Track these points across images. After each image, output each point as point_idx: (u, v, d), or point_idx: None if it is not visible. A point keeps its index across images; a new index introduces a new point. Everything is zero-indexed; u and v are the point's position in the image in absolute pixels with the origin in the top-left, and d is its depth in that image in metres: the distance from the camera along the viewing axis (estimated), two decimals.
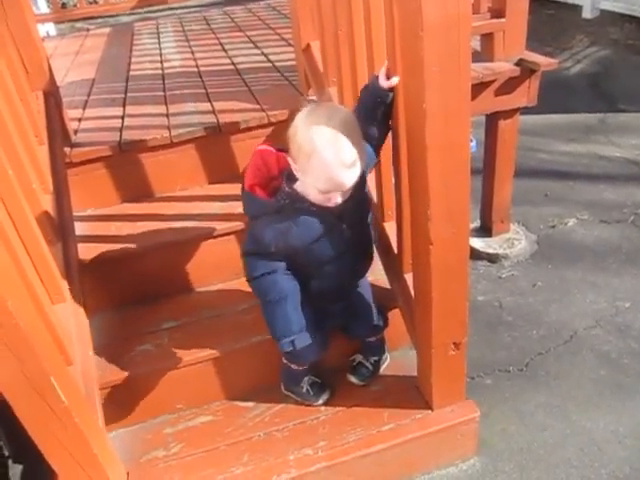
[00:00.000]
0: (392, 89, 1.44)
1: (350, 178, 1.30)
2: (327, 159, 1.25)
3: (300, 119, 1.29)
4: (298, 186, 1.36)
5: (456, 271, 1.42)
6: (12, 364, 1.21)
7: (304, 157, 1.27)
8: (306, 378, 1.75)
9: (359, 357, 1.84)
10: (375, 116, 1.47)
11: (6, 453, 1.86)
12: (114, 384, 1.75)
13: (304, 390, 1.75)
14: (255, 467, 1.63)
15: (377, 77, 1.47)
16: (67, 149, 2.17)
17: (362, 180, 1.41)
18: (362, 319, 1.72)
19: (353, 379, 1.83)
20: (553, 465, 1.73)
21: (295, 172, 1.33)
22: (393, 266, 1.79)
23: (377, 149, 1.53)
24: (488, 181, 2.60)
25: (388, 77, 1.46)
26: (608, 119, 3.85)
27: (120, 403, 1.78)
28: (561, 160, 3.42)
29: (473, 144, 2.78)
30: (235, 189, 2.23)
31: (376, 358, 1.83)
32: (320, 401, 1.76)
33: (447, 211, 1.33)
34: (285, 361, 1.71)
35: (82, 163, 2.16)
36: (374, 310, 1.73)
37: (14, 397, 1.26)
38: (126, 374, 1.77)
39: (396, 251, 1.73)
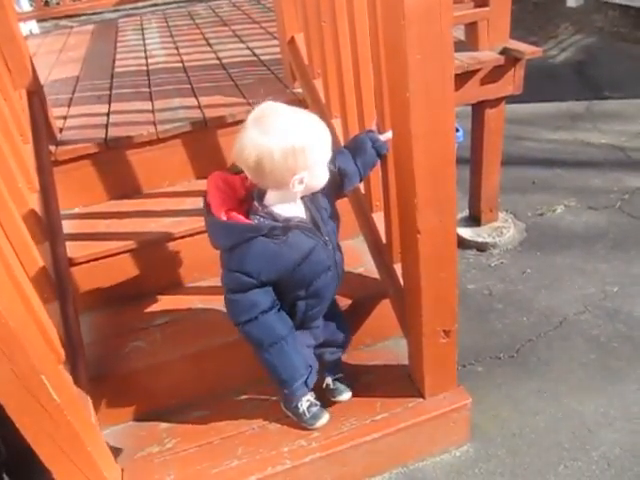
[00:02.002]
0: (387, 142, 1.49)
1: (326, 128, 1.32)
2: (322, 144, 1.27)
3: (280, 131, 1.22)
4: (271, 201, 1.31)
5: (444, 259, 1.43)
6: (3, 363, 1.20)
7: (302, 154, 1.22)
8: (304, 398, 1.65)
9: (329, 380, 1.76)
10: (362, 160, 1.48)
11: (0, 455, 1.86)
12: (106, 381, 1.75)
13: (301, 411, 1.66)
14: (250, 460, 1.63)
15: (371, 130, 1.52)
16: (52, 147, 2.16)
17: (331, 189, 1.41)
18: (340, 332, 1.69)
19: (342, 397, 1.76)
20: (545, 449, 1.75)
21: (298, 184, 1.27)
22: (382, 256, 1.79)
23: (346, 186, 1.51)
24: (476, 170, 2.61)
25: (379, 132, 1.52)
26: (594, 106, 3.87)
27: (113, 400, 1.78)
28: (548, 148, 3.44)
29: (460, 134, 2.79)
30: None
31: (341, 375, 1.78)
32: (318, 424, 1.67)
33: (434, 199, 1.33)
34: (289, 404, 1.66)
35: (68, 161, 2.15)
36: (345, 321, 1.73)
37: (5, 396, 1.26)
38: (119, 371, 1.77)
39: (384, 241, 1.74)
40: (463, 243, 2.64)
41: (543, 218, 2.82)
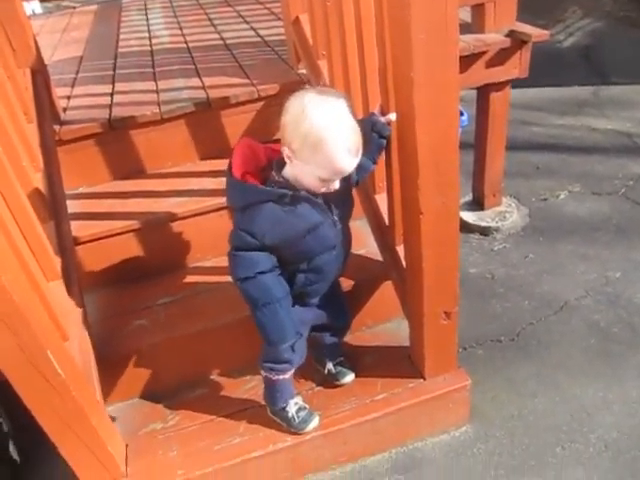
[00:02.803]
0: (390, 124, 1.48)
1: (353, 164, 1.30)
2: (337, 150, 1.24)
3: (302, 107, 1.24)
4: (288, 174, 1.34)
5: (447, 240, 1.44)
6: (8, 338, 1.22)
7: (309, 147, 1.24)
8: (292, 401, 1.64)
9: (330, 365, 1.78)
10: (369, 148, 1.45)
11: (6, 429, 1.88)
12: (111, 359, 1.76)
13: (290, 415, 1.63)
14: (252, 437, 1.66)
15: (373, 113, 1.51)
16: (56, 127, 2.16)
17: (348, 177, 1.40)
18: (340, 316, 1.71)
19: (346, 380, 1.77)
20: (543, 430, 1.77)
21: (288, 159, 1.30)
22: (385, 238, 1.80)
23: (360, 175, 1.51)
24: (480, 154, 2.60)
25: (383, 114, 1.50)
26: (601, 92, 3.84)
27: (117, 378, 1.80)
28: (553, 133, 3.43)
29: (465, 118, 2.78)
30: (226, 164, 2.24)
31: (342, 358, 1.80)
32: (308, 428, 1.64)
33: (437, 180, 1.34)
34: (267, 376, 1.62)
35: (72, 141, 2.15)
36: (347, 304, 1.74)
37: (12, 371, 1.28)
38: (123, 349, 1.79)
39: (387, 223, 1.74)
40: (466, 227, 2.64)
41: (547, 203, 2.81)
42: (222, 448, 1.65)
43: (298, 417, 1.64)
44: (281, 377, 1.61)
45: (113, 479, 1.57)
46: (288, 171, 1.34)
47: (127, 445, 1.68)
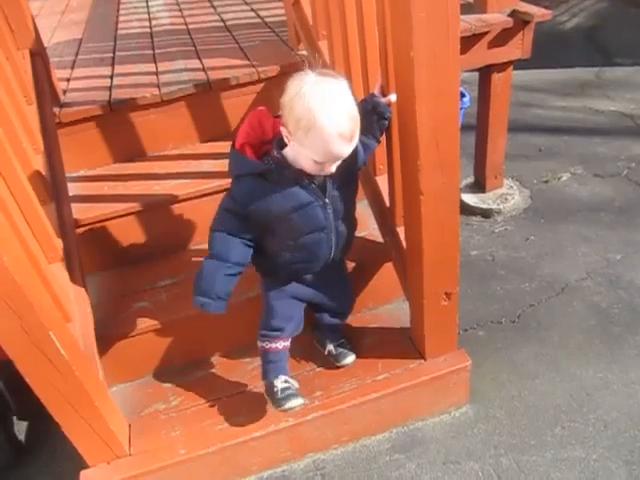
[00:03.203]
0: (390, 105, 1.47)
1: (348, 150, 1.30)
2: (328, 134, 1.23)
3: (299, 88, 1.24)
4: (287, 153, 1.34)
5: (447, 221, 1.43)
6: (11, 319, 1.23)
7: (302, 129, 1.24)
8: (283, 377, 1.63)
9: (331, 347, 1.79)
10: (371, 129, 1.47)
11: (10, 409, 1.90)
12: (113, 341, 1.78)
13: (274, 390, 1.60)
14: (253, 417, 1.67)
15: (373, 94, 1.50)
16: (56, 109, 2.15)
17: (351, 163, 1.39)
18: (342, 298, 1.72)
19: (347, 361, 1.77)
20: (542, 410, 1.78)
21: (287, 140, 1.31)
22: (385, 220, 1.80)
23: (366, 155, 1.51)
24: (481, 136, 2.59)
25: (383, 94, 1.49)
26: (604, 73, 3.82)
27: (120, 359, 1.82)
28: (555, 115, 3.41)
29: (466, 99, 2.76)
30: (227, 147, 2.22)
31: (343, 340, 1.81)
32: (287, 406, 1.58)
33: (437, 161, 1.33)
34: (262, 345, 1.65)
35: (72, 123, 2.14)
36: (350, 288, 1.75)
37: (15, 352, 1.29)
38: (125, 331, 1.80)
39: (388, 204, 1.74)
40: (467, 209, 2.64)
41: (548, 185, 2.80)
42: (224, 428, 1.66)
43: (282, 392, 1.60)
44: (273, 345, 1.64)
45: (116, 458, 1.60)
46: (288, 150, 1.34)
47: (130, 425, 1.70)
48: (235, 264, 1.46)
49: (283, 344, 1.66)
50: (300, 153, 1.30)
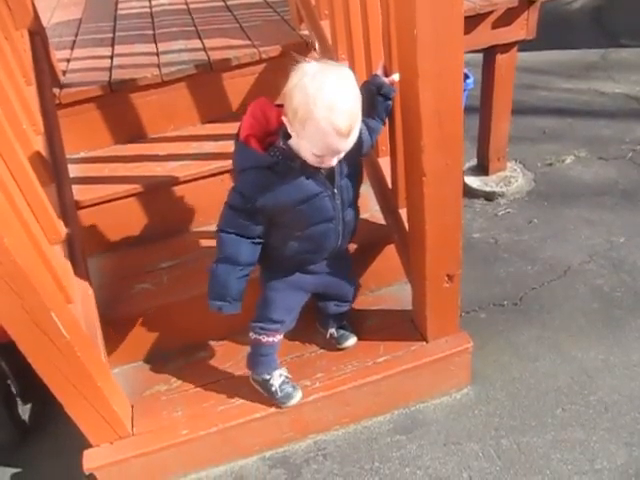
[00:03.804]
0: (393, 84, 1.44)
1: (346, 145, 1.27)
2: (323, 128, 1.20)
3: (299, 79, 1.22)
4: (293, 143, 1.31)
5: (449, 202, 1.42)
6: (13, 300, 1.23)
7: (299, 121, 1.22)
8: (276, 373, 1.65)
9: (332, 329, 1.80)
10: (376, 111, 1.44)
11: (14, 390, 1.91)
12: (115, 322, 1.78)
13: (273, 389, 1.64)
14: (254, 398, 1.68)
15: (376, 74, 1.47)
16: (56, 90, 2.14)
17: (358, 151, 1.37)
18: (347, 286, 1.71)
19: (348, 343, 1.78)
20: (543, 392, 1.78)
21: (289, 130, 1.28)
22: (388, 201, 1.79)
23: (373, 138, 1.49)
24: (485, 118, 2.56)
25: (386, 74, 1.47)
26: (609, 55, 3.77)
27: (121, 340, 1.82)
28: (560, 97, 3.37)
29: (470, 81, 2.74)
30: (228, 128, 2.21)
31: (344, 322, 1.81)
32: (290, 404, 1.64)
33: (440, 141, 1.32)
34: (256, 337, 1.63)
35: (72, 104, 2.12)
36: (354, 275, 1.75)
37: (17, 333, 1.30)
38: (126, 312, 1.80)
39: (390, 186, 1.73)
40: (470, 192, 2.63)
41: (552, 168, 2.78)
42: (226, 409, 1.67)
43: (282, 391, 1.64)
44: (270, 339, 1.62)
45: (119, 438, 1.61)
46: (293, 140, 1.31)
47: (132, 406, 1.71)
48: (246, 266, 1.44)
49: (279, 337, 1.65)
50: (300, 145, 1.28)
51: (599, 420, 1.69)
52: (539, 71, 3.61)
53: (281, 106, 1.31)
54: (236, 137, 1.37)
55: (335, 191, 1.40)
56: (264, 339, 1.62)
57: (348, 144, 1.27)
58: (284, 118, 1.27)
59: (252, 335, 1.63)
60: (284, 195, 1.35)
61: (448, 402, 1.80)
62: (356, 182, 1.49)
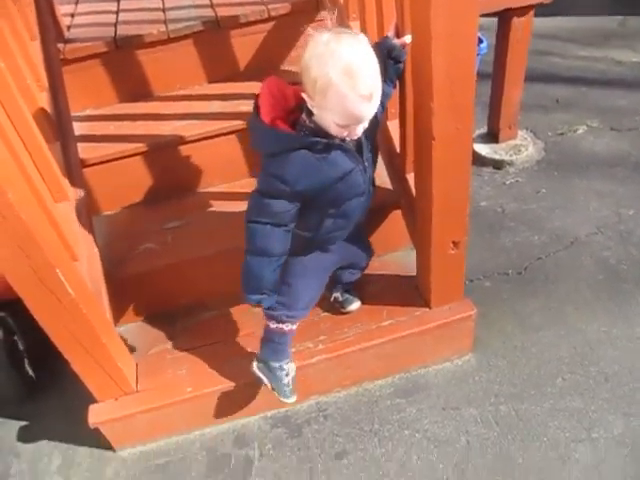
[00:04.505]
0: (405, 47, 1.41)
1: (369, 110, 1.23)
2: (344, 93, 1.17)
3: (314, 50, 1.19)
4: (317, 119, 1.27)
5: (458, 168, 1.40)
6: (18, 256, 1.23)
7: (320, 92, 1.19)
8: (293, 365, 1.61)
9: (337, 293, 1.79)
10: (387, 74, 1.39)
11: (21, 346, 1.94)
12: (120, 281, 1.78)
13: (285, 381, 1.59)
14: None
15: (387, 37, 1.44)
16: (61, 45, 2.10)
17: (375, 119, 1.32)
18: (362, 255, 1.71)
19: (352, 307, 1.78)
20: (545, 362, 1.79)
21: (310, 105, 1.25)
22: (395, 166, 1.77)
23: (384, 102, 1.43)
24: (497, 84, 2.51)
25: (398, 35, 1.43)
26: (628, 22, 3.66)
27: (126, 299, 1.84)
28: (575, 65, 3.29)
29: (484, 45, 2.67)
30: (235, 87, 2.18)
31: (349, 287, 1.81)
32: (291, 400, 1.61)
33: (451, 105, 1.29)
34: (277, 325, 1.56)
35: (77, 60, 2.09)
36: (368, 241, 1.75)
37: (23, 290, 1.31)
38: (131, 271, 1.81)
39: (398, 150, 1.71)
40: (479, 160, 2.59)
41: (563, 138, 2.74)
42: (230, 368, 1.69)
43: (290, 386, 1.61)
44: (294, 327, 1.58)
45: (124, 394, 1.64)
46: (316, 116, 1.27)
47: (137, 364, 1.73)
48: (280, 256, 1.40)
49: (296, 326, 1.60)
50: (323, 117, 1.24)
51: (598, 390, 1.70)
52: (554, 37, 3.52)
53: (296, 84, 1.28)
54: (259, 121, 1.29)
55: (365, 164, 1.38)
56: (287, 327, 1.57)
57: (371, 109, 1.23)
58: (304, 95, 1.24)
59: (273, 324, 1.56)
60: (324, 174, 1.31)
61: (449, 368, 1.82)
62: (375, 154, 1.47)
